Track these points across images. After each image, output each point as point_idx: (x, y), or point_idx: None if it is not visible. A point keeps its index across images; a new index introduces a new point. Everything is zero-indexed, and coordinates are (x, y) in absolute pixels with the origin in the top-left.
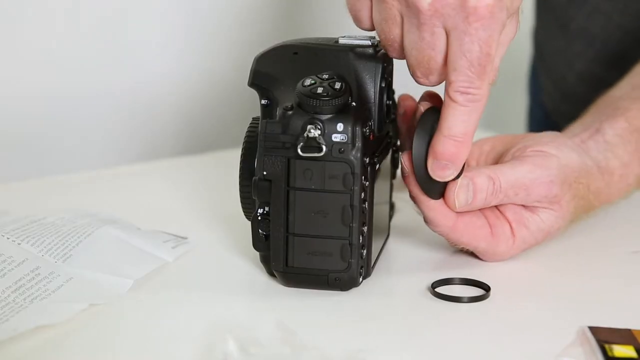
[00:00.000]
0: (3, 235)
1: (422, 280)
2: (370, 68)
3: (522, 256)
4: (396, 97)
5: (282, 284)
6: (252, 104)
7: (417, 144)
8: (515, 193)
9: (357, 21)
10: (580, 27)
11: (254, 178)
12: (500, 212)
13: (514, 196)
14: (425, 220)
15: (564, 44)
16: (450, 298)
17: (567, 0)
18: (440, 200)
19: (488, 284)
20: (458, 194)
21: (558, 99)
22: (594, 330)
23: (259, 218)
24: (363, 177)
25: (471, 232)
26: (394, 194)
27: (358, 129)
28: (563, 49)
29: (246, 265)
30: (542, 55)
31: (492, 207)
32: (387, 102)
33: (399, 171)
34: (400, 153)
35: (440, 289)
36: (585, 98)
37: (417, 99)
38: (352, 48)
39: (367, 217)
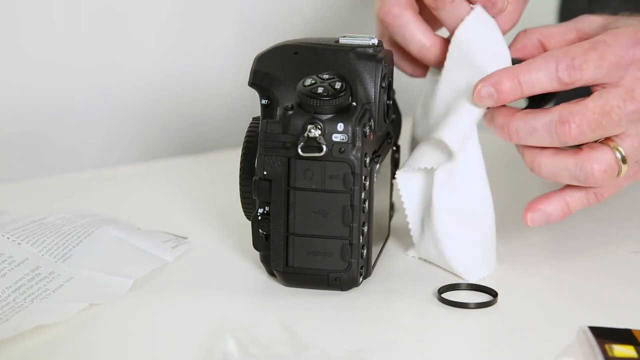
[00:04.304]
0: (3, 235)
1: (423, 281)
2: (370, 68)
3: (529, 259)
4: (396, 97)
5: (282, 284)
6: (252, 104)
7: None
8: None
9: None
10: None
11: (254, 178)
12: None
13: None
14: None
15: None
16: (456, 304)
17: (588, 5)
18: None
19: (495, 289)
20: None
21: None
22: (594, 330)
23: (259, 218)
24: (363, 177)
25: None
26: (394, 194)
27: (358, 128)
28: None
29: (246, 265)
30: None
31: None
32: (387, 102)
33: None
34: None
35: (446, 295)
36: None
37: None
38: (352, 48)
39: (367, 217)
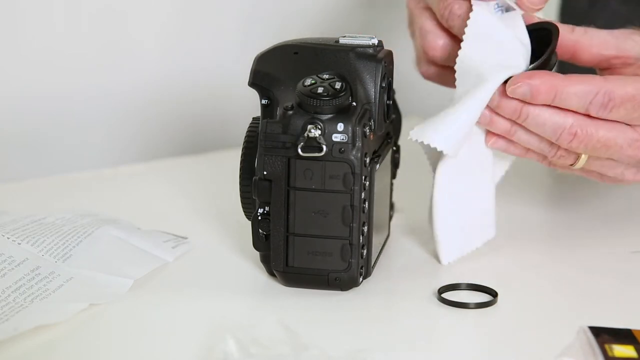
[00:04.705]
0: (3, 235)
1: (423, 281)
2: (370, 68)
3: (529, 259)
4: (396, 97)
5: (282, 284)
6: (252, 104)
7: None
8: None
9: None
10: None
11: (254, 178)
12: None
13: None
14: None
15: None
16: (456, 304)
17: (588, 5)
18: None
19: (495, 289)
20: None
21: None
22: (594, 330)
23: (259, 218)
24: (363, 177)
25: None
26: (394, 194)
27: (358, 128)
28: None
29: (246, 265)
30: None
31: None
32: (387, 102)
33: (399, 171)
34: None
35: (446, 295)
36: None
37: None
38: (352, 48)
39: (367, 217)
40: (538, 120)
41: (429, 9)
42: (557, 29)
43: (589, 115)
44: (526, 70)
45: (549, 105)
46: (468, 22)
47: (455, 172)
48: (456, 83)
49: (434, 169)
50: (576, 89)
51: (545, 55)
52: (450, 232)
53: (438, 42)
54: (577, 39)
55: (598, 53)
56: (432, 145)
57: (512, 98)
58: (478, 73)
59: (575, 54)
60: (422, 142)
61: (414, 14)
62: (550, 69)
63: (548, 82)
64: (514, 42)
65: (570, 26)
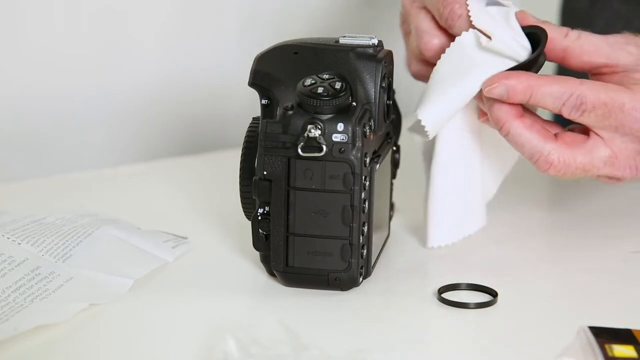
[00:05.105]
0: (3, 235)
1: (423, 281)
2: (370, 68)
3: (529, 259)
4: (396, 97)
5: (282, 284)
6: (252, 104)
7: None
8: None
9: None
10: (601, 31)
11: (254, 178)
12: None
13: None
14: None
15: None
16: (456, 304)
17: (589, 5)
18: None
19: (495, 289)
20: None
21: None
22: (594, 330)
23: (259, 218)
24: (363, 177)
25: None
26: (394, 194)
27: (358, 128)
28: None
29: (246, 265)
30: None
31: None
32: (387, 102)
33: (399, 171)
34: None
35: (446, 295)
36: None
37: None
38: (352, 48)
39: (367, 217)
40: (517, 139)
41: (424, 8)
42: (545, 34)
43: (567, 143)
44: (512, 68)
45: (532, 127)
46: (470, 14)
47: (450, 156)
48: (447, 57)
49: (425, 158)
50: (551, 89)
51: (531, 57)
52: (443, 216)
53: (434, 41)
54: (567, 45)
55: (588, 60)
56: (420, 118)
57: (500, 109)
58: (472, 59)
59: (565, 60)
60: (415, 131)
61: (410, 14)
62: (536, 71)
63: (524, 82)
64: (513, 37)
65: (565, 30)
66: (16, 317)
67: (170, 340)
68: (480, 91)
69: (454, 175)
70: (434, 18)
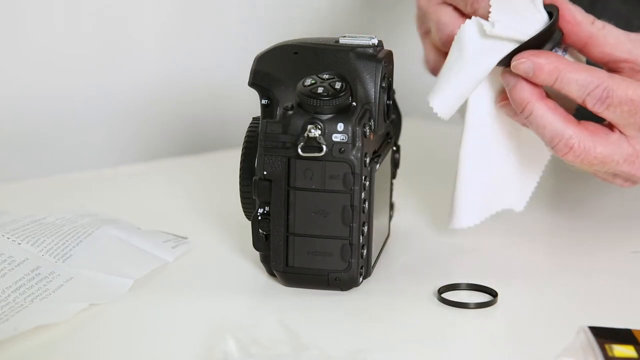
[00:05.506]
0: (3, 235)
1: (423, 281)
2: (370, 68)
3: (529, 259)
4: (396, 97)
5: (282, 284)
6: (252, 104)
7: None
8: None
9: None
10: None
11: (254, 178)
12: None
13: None
14: None
15: None
16: (456, 304)
17: (589, 5)
18: None
19: (495, 289)
20: None
21: None
22: (594, 330)
23: (259, 218)
24: (363, 177)
25: None
26: (394, 194)
27: (358, 129)
28: None
29: (246, 265)
30: None
31: None
32: (387, 102)
33: (399, 171)
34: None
35: (446, 295)
36: None
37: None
38: (352, 48)
39: (367, 217)
40: (539, 121)
41: (444, 3)
42: (557, 10)
43: (590, 131)
44: (524, 43)
45: (555, 109)
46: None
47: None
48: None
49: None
50: (579, 76)
51: (541, 30)
52: (472, 195)
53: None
54: (593, 33)
55: (610, 53)
56: (430, 105)
57: (523, 90)
58: (478, 44)
59: (587, 47)
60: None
61: (429, 11)
62: (551, 47)
63: (553, 63)
64: (534, 14)
65: (592, 17)
66: (16, 317)
67: (170, 340)
68: (503, 72)
69: (482, 151)
70: (455, 10)
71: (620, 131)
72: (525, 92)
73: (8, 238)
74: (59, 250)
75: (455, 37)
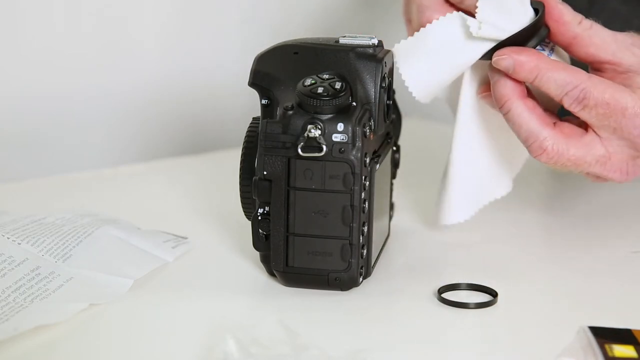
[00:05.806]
0: (3, 235)
1: (423, 281)
2: (370, 68)
3: (529, 259)
4: (396, 97)
5: (282, 284)
6: (252, 104)
7: None
8: None
9: None
10: None
11: (254, 178)
12: None
13: None
14: None
15: None
16: (456, 304)
17: (588, 4)
18: None
19: (495, 289)
20: None
21: None
22: (594, 330)
23: (259, 218)
24: (363, 177)
25: None
26: (394, 194)
27: (358, 129)
28: None
29: (246, 265)
30: None
31: None
32: (387, 102)
33: (399, 171)
34: None
35: (446, 295)
36: None
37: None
38: (352, 48)
39: (367, 217)
40: (516, 119)
41: None
42: (543, 6)
43: (565, 134)
44: (510, 37)
45: (533, 109)
46: None
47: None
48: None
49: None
50: (558, 75)
51: (527, 26)
52: (463, 189)
53: (435, 16)
54: (578, 33)
55: (593, 53)
56: (402, 78)
57: (505, 86)
58: (466, 36)
59: (572, 47)
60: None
61: None
62: (536, 43)
63: (534, 61)
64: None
65: (580, 16)
66: (16, 317)
67: (170, 340)
68: (490, 65)
69: (471, 145)
70: None
71: (594, 132)
72: (507, 89)
73: (8, 238)
74: (59, 250)
75: (445, 18)
